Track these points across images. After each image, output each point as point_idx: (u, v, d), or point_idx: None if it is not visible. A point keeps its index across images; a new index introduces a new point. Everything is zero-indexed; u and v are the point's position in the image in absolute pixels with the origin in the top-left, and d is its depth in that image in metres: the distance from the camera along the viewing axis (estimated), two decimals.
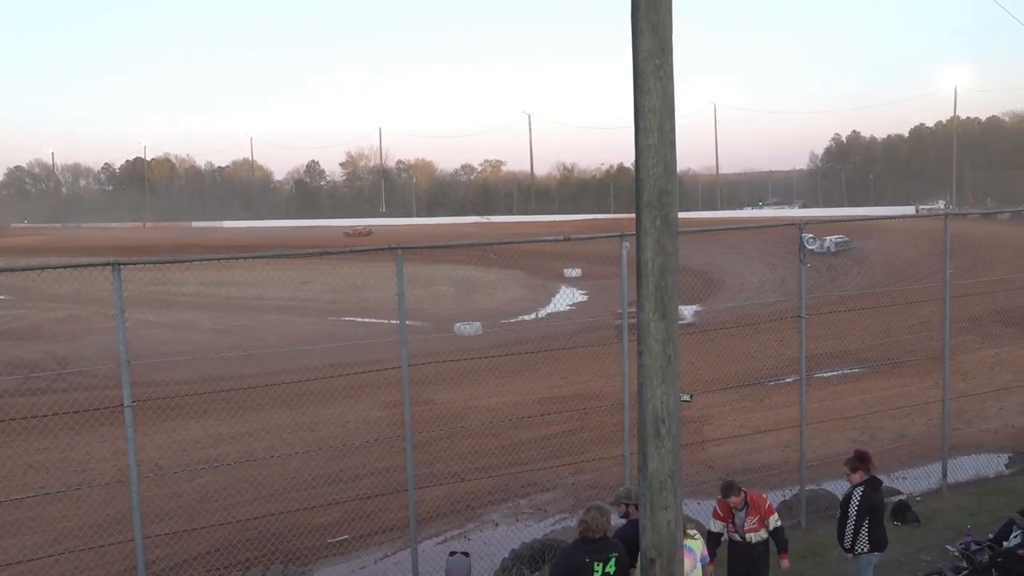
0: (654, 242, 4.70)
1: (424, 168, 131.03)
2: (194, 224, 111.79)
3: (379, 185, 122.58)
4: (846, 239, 47.29)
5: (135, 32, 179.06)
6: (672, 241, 4.72)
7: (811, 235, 43.01)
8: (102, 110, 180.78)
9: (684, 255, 5.30)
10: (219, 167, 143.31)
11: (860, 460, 7.25)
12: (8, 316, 32.14)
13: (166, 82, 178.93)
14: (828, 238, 47.30)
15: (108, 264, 6.66)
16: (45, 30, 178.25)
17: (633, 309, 5.36)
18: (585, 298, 37.58)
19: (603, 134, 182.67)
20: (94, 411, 11.29)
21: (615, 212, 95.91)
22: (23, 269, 7.31)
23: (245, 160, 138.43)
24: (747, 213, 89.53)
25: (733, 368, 17.49)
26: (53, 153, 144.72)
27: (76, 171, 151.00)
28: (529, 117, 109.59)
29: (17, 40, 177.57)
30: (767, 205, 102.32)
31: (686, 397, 6.72)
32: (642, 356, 4.80)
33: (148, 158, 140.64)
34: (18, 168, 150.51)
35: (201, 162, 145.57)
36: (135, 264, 7.18)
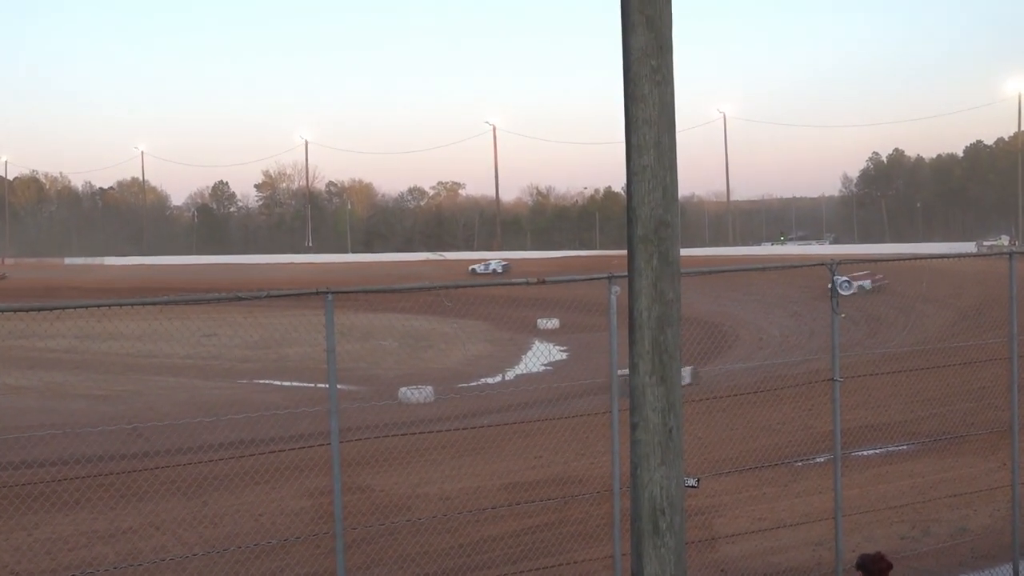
0: (650, 286, 4.73)
1: (361, 191, 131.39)
2: (67, 261, 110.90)
3: (304, 213, 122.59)
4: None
5: None
6: (673, 285, 4.75)
7: (846, 278, 46.47)
8: None
9: (688, 302, 5.33)
10: (101, 188, 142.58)
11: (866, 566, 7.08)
12: None
13: (33, 81, 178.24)
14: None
15: None
16: None
17: (625, 371, 5.37)
18: (564, 356, 37.63)
19: (586, 151, 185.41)
20: None
21: (601, 248, 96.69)
22: None
23: (134, 180, 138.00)
24: (766, 250, 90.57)
25: (750, 444, 17.53)
26: None
27: None
28: (494, 129, 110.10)
29: None
30: (791, 240, 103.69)
31: (692, 482, 6.72)
32: (636, 430, 4.79)
33: (10, 176, 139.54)
34: None
35: (78, 182, 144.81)
36: None
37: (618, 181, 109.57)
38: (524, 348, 40.71)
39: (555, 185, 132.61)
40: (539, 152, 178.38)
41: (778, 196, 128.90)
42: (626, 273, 4.90)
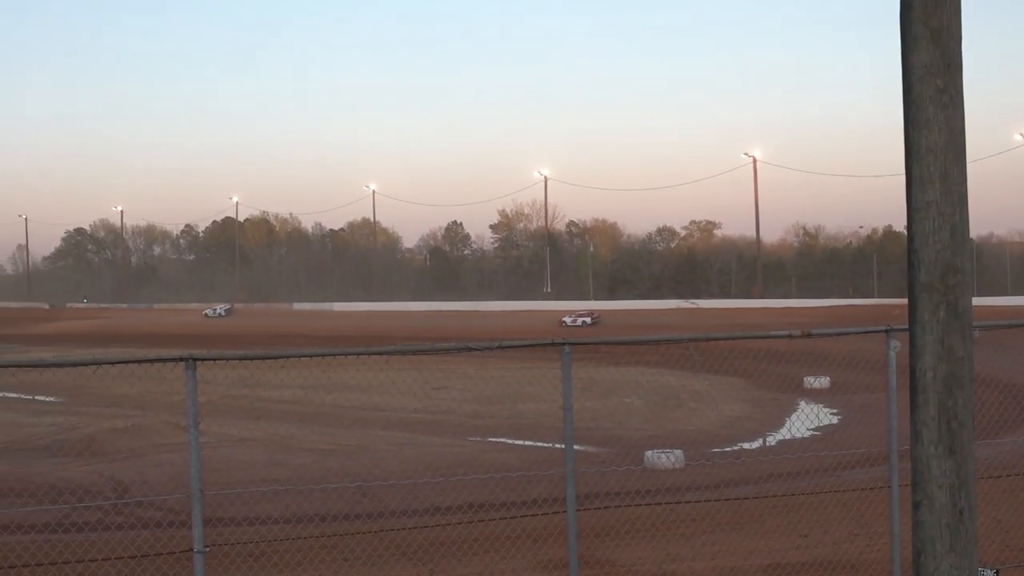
0: (936, 342, 4.53)
1: (606, 232, 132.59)
2: (295, 306, 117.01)
3: (543, 255, 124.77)
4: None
5: (225, 55, 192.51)
6: (963, 341, 4.55)
7: None
8: (184, 154, 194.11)
9: (984, 361, 5.07)
10: (331, 230, 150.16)
11: None
12: (58, 424, 34.33)
13: (264, 119, 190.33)
14: None
15: (180, 359, 7.04)
16: (110, 50, 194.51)
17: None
18: (835, 419, 36.45)
19: (861, 185, 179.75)
20: (156, 556, 11.80)
21: (879, 296, 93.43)
22: (75, 364, 7.84)
23: (365, 221, 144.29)
24: None
25: None
26: (122, 211, 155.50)
27: (150, 235, 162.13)
28: (754, 161, 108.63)
29: (80, 66, 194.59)
30: None
31: (989, 574, 6.34)
32: (920, 509, 4.59)
33: (240, 218, 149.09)
34: (79, 231, 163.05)
35: (308, 223, 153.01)
36: (215, 360, 7.55)
37: (899, 219, 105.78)
38: (788, 409, 39.68)
39: (825, 224, 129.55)
40: (806, 187, 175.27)
41: None
42: (907, 326, 4.74)
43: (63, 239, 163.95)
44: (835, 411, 37.69)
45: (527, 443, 30.69)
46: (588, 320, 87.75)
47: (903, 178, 4.63)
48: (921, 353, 4.56)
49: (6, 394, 41.42)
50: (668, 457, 25.90)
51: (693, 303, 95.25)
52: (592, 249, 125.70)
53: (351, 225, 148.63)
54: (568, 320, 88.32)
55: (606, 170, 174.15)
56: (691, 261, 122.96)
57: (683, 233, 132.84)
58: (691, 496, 19.28)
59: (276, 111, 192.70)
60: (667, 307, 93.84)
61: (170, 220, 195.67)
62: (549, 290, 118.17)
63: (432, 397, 38.56)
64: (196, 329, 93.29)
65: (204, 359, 7.26)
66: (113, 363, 7.70)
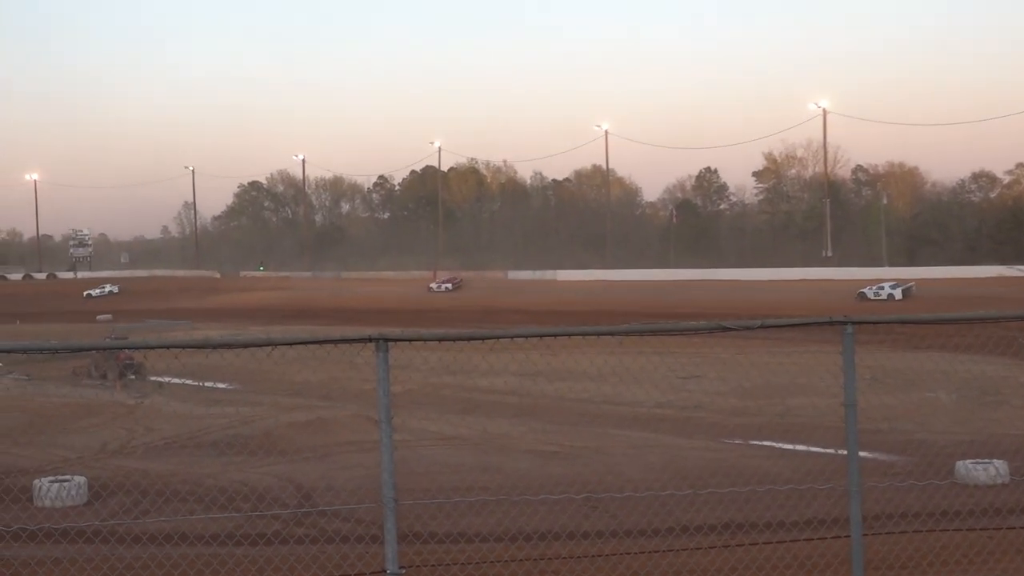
0: None
1: (903, 180, 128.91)
2: (511, 275, 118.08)
3: (821, 210, 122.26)
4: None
5: None
6: None
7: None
8: (376, 92, 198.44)
9: None
10: (554, 180, 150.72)
11: None
12: (230, 416, 35.67)
13: (468, 50, 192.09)
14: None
15: (369, 340, 7.19)
16: None
17: None
18: None
19: None
20: None
21: None
22: (246, 345, 8.12)
23: (596, 169, 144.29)
24: None
25: None
26: (304, 160, 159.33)
27: (336, 189, 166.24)
28: None
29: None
30: None
31: None
32: None
33: (444, 167, 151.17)
34: (254, 185, 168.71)
35: (526, 172, 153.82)
36: (410, 341, 7.68)
37: None
38: None
39: None
40: None
41: None
42: None
43: (236, 195, 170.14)
44: None
45: (799, 448, 30.22)
46: (450, 286, 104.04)
47: None
48: None
49: (171, 380, 43.28)
50: (987, 469, 25.09)
51: (1021, 270, 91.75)
52: (886, 201, 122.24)
53: (578, 174, 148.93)
54: (433, 286, 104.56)
55: (902, 101, 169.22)
56: (1018, 216, 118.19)
57: (1007, 180, 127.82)
58: (1017, 520, 18.63)
59: (484, 40, 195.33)
60: (986, 275, 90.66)
61: (361, 171, 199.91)
62: (830, 254, 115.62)
63: (679, 388, 38.39)
64: (389, 303, 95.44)
65: (398, 340, 7.40)
66: (291, 344, 7.93)
